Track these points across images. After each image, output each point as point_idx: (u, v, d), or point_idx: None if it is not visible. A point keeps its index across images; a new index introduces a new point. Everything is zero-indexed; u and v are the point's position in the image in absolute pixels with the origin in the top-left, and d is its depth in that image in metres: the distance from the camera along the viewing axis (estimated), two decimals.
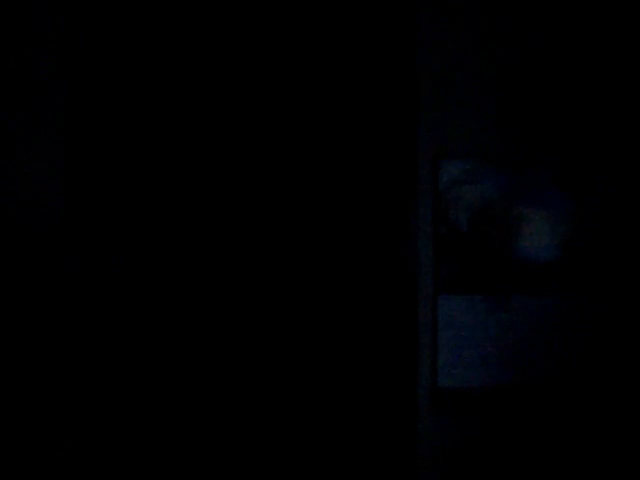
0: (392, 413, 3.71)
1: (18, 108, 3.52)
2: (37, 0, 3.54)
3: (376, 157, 3.73)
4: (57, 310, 3.56)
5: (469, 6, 3.64)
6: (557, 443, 3.63)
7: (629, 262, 3.59)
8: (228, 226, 3.75)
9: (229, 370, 3.74)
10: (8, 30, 3.54)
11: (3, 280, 3.51)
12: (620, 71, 3.63)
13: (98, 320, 3.65)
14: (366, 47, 3.73)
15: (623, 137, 3.63)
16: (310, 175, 3.76)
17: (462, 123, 3.63)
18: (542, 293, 3.58)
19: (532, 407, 3.62)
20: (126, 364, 3.67)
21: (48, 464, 3.53)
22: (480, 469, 3.65)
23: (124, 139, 3.70)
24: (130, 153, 3.70)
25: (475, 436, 3.64)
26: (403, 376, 3.71)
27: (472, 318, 3.61)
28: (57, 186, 3.56)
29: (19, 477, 3.50)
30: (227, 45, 3.74)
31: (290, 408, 3.74)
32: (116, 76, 3.69)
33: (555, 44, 3.64)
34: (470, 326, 3.61)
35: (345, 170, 3.75)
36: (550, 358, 3.58)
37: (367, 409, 3.73)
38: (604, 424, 3.63)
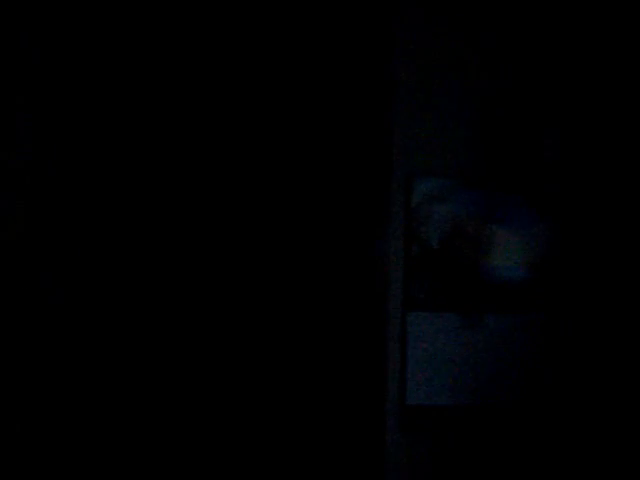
0: (360, 430, 3.65)
1: None
2: None
3: (349, 174, 3.69)
4: None
5: (445, 29, 3.72)
6: (526, 462, 3.75)
7: (599, 282, 3.84)
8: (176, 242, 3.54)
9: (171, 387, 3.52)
10: None
11: None
12: (592, 97, 3.87)
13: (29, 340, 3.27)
14: (343, 64, 3.70)
15: (594, 161, 3.88)
16: (279, 186, 3.65)
17: (436, 142, 3.69)
18: (513, 312, 3.70)
19: (501, 426, 3.71)
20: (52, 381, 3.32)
21: None
22: None
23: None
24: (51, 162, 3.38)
25: (443, 455, 3.67)
26: (371, 393, 3.66)
27: (442, 336, 3.65)
28: None
29: None
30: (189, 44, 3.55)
31: (256, 426, 3.58)
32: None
33: (529, 67, 3.81)
34: (440, 344, 3.65)
35: (318, 186, 3.68)
36: (520, 377, 3.70)
37: (335, 426, 3.65)
38: (574, 442, 3.81)
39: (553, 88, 3.84)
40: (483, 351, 3.67)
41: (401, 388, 3.63)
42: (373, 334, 3.66)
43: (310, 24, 3.68)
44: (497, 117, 3.76)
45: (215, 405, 3.54)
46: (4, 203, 3.10)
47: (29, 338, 3.15)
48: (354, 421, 3.66)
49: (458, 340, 3.66)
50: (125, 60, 3.41)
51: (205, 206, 3.53)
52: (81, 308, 3.26)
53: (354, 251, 3.67)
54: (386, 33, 3.69)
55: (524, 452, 3.74)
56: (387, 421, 3.64)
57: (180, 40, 3.49)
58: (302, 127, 3.65)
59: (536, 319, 3.74)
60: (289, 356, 3.62)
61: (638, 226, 3.88)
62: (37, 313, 3.15)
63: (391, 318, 3.65)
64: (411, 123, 3.67)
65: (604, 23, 3.90)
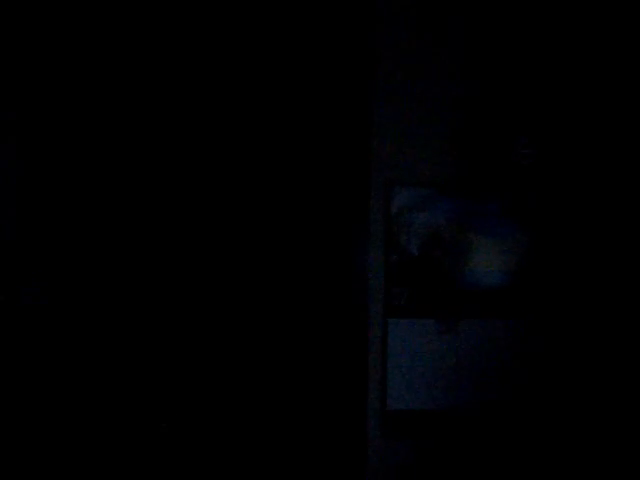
0: (342, 436, 3.72)
1: None
2: None
3: (329, 183, 3.77)
4: None
5: (423, 39, 3.78)
6: (504, 464, 3.75)
7: (573, 289, 3.80)
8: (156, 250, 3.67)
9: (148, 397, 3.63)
10: None
11: None
12: (569, 108, 3.86)
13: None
14: (323, 71, 3.78)
15: (569, 169, 3.86)
16: (258, 194, 3.74)
17: (415, 152, 3.74)
18: (490, 318, 3.72)
19: (481, 429, 3.73)
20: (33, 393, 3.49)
21: None
22: None
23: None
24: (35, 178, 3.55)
25: (424, 458, 3.70)
26: (353, 399, 3.73)
27: (422, 342, 3.69)
28: None
29: None
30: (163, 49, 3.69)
31: (239, 430, 3.68)
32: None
33: (508, 78, 3.82)
34: (419, 350, 3.69)
35: (298, 195, 3.76)
36: (497, 381, 3.71)
37: (317, 432, 3.72)
38: (551, 442, 3.79)
39: (531, 98, 3.84)
40: (460, 356, 3.69)
41: (382, 393, 3.69)
42: (354, 341, 3.73)
43: (297, 25, 3.78)
44: (475, 127, 3.78)
45: (195, 406, 3.67)
46: None
47: (21, 341, 3.35)
48: (336, 426, 3.72)
49: (437, 345, 3.69)
50: (119, 60, 3.56)
51: (186, 219, 3.67)
52: (75, 311, 3.45)
53: (335, 259, 3.75)
54: (367, 44, 3.78)
55: (502, 453, 3.73)
56: (368, 426, 3.70)
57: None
58: (279, 137, 3.76)
59: (511, 324, 3.73)
60: (272, 362, 3.71)
61: (614, 233, 3.82)
62: (25, 317, 3.35)
63: (372, 324, 3.72)
64: (390, 133, 3.74)
65: (580, 28, 3.87)
